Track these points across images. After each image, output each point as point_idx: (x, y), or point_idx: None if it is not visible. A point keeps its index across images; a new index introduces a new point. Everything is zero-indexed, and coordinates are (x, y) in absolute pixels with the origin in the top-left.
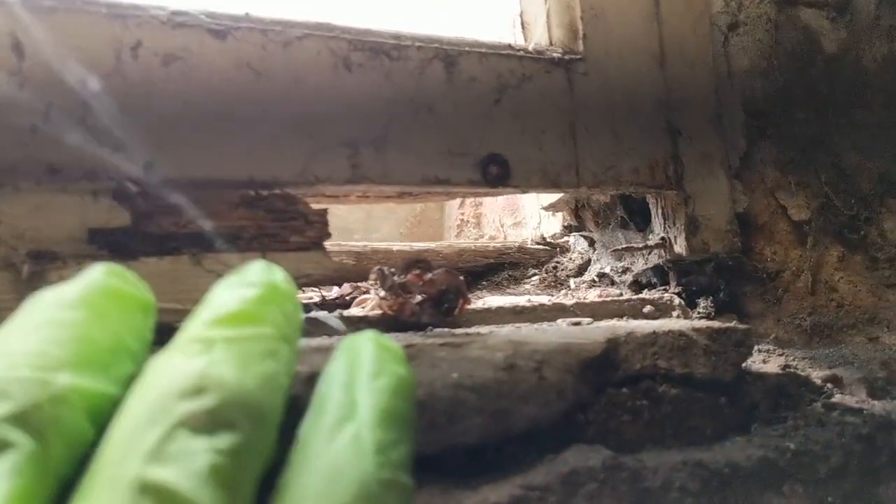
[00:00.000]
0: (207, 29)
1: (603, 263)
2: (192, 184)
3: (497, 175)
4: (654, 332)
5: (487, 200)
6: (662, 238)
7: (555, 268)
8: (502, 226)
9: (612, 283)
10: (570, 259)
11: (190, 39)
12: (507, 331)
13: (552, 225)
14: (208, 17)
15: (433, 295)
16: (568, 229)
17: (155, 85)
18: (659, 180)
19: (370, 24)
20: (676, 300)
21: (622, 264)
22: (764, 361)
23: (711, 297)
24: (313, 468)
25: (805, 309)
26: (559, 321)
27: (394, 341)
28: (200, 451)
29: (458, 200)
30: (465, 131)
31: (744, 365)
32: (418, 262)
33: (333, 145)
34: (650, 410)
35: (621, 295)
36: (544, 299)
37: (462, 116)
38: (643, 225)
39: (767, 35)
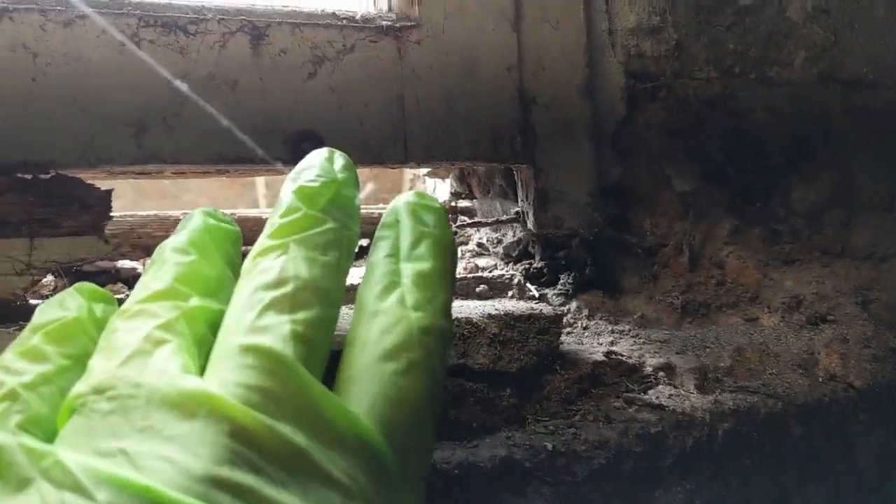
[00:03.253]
0: None
1: (482, 233)
2: None
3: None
4: None
5: None
6: (517, 212)
7: (454, 234)
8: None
9: (490, 253)
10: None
11: None
12: None
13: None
14: None
15: None
16: (456, 196)
17: None
18: (504, 153)
19: None
20: (516, 279)
21: (497, 235)
22: (611, 344)
23: (575, 273)
24: (370, 324)
25: (680, 286)
26: None
27: (433, 199)
28: (283, 323)
29: None
30: (273, 107)
31: (563, 347)
32: None
33: (118, 125)
34: None
35: (494, 268)
36: None
37: (270, 92)
38: None
39: None
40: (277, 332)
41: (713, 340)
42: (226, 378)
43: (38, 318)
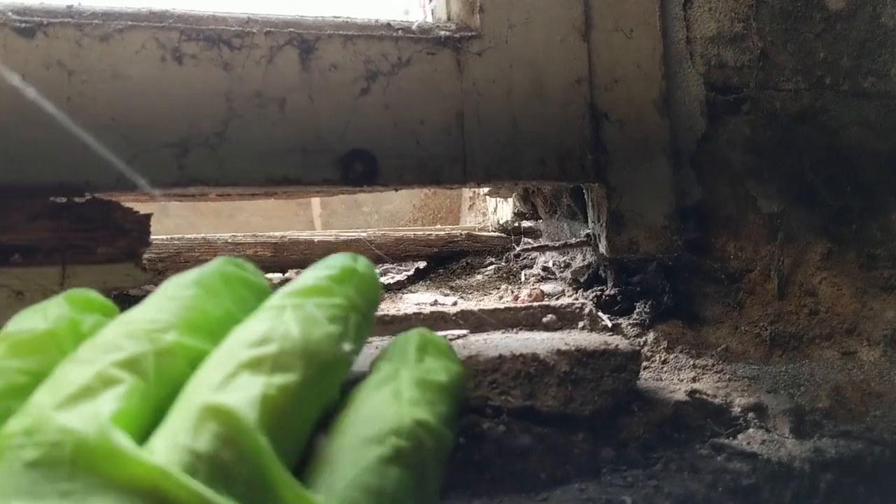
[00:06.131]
0: (13, 28)
1: (548, 256)
2: None
3: (362, 173)
4: (501, 357)
5: None
6: (587, 235)
7: (517, 256)
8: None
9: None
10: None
11: None
12: None
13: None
14: (17, 13)
15: None
16: (519, 216)
17: None
18: (572, 172)
19: (218, 8)
20: (587, 308)
21: (564, 259)
22: (693, 380)
23: (652, 301)
24: (355, 412)
25: (768, 316)
26: None
27: (439, 336)
28: (255, 385)
29: None
30: (323, 126)
31: (641, 384)
32: None
33: (158, 146)
34: (466, 451)
35: (561, 294)
36: (428, 307)
37: (320, 110)
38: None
39: None
40: (245, 394)
41: (807, 377)
42: (176, 440)
43: (13, 324)
